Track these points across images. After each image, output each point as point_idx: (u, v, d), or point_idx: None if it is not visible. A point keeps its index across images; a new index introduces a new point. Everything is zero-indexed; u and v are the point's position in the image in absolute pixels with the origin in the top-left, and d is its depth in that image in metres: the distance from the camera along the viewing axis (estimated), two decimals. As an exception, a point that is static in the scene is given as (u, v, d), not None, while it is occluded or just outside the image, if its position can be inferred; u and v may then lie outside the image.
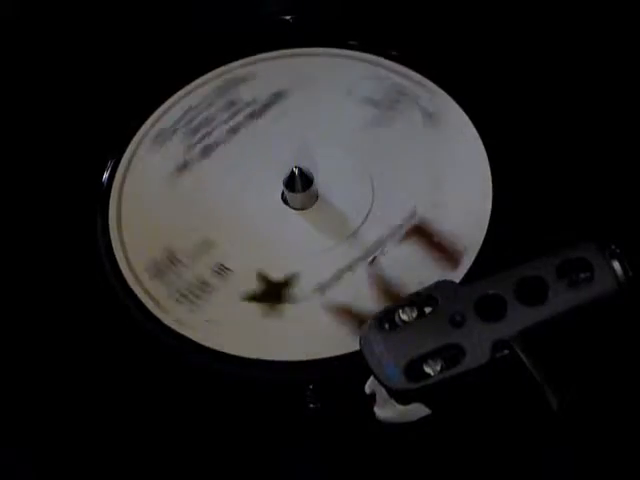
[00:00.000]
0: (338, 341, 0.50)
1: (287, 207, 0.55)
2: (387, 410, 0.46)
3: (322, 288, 0.52)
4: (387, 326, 0.46)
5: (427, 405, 0.46)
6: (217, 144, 0.58)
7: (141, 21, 0.64)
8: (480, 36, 0.61)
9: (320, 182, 0.55)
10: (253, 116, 0.59)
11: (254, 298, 0.52)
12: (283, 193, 0.55)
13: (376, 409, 0.47)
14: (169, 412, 0.50)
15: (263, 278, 0.53)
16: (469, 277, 0.51)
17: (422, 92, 0.59)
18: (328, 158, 0.56)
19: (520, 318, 0.45)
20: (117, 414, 0.50)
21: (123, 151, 0.58)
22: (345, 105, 0.59)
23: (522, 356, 0.44)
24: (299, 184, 0.54)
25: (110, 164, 0.58)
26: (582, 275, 0.46)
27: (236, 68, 0.61)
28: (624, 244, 0.46)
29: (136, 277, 0.53)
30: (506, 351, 0.45)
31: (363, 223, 0.54)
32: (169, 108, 0.60)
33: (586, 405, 0.46)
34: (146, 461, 0.49)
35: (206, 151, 0.58)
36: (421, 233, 0.54)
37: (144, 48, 0.63)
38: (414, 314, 0.46)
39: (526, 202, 0.54)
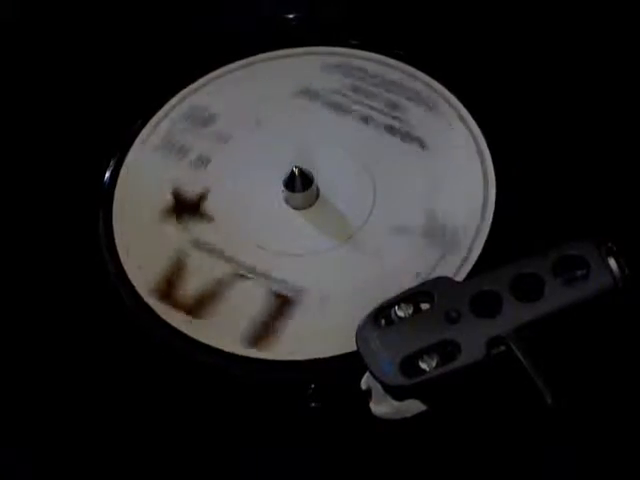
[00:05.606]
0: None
1: (287, 207, 0.55)
2: (383, 406, 0.46)
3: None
4: (383, 322, 0.46)
5: (423, 401, 0.46)
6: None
7: (142, 22, 0.65)
8: (483, 35, 0.62)
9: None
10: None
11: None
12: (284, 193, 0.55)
13: (372, 405, 0.47)
14: (168, 411, 0.50)
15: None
16: (471, 276, 0.51)
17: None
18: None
19: (516, 315, 0.45)
20: (117, 414, 0.50)
21: (126, 151, 0.58)
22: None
23: (517, 353, 0.44)
24: (299, 184, 0.54)
25: (112, 164, 0.58)
26: (578, 272, 0.46)
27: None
28: (620, 242, 0.46)
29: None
30: (502, 347, 0.45)
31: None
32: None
33: (585, 403, 0.46)
34: (146, 461, 0.49)
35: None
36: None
37: (147, 48, 0.63)
38: (410, 310, 0.46)
39: (526, 201, 0.54)
